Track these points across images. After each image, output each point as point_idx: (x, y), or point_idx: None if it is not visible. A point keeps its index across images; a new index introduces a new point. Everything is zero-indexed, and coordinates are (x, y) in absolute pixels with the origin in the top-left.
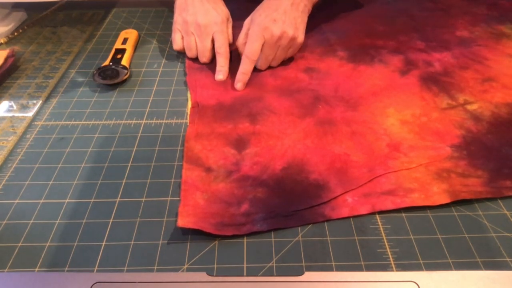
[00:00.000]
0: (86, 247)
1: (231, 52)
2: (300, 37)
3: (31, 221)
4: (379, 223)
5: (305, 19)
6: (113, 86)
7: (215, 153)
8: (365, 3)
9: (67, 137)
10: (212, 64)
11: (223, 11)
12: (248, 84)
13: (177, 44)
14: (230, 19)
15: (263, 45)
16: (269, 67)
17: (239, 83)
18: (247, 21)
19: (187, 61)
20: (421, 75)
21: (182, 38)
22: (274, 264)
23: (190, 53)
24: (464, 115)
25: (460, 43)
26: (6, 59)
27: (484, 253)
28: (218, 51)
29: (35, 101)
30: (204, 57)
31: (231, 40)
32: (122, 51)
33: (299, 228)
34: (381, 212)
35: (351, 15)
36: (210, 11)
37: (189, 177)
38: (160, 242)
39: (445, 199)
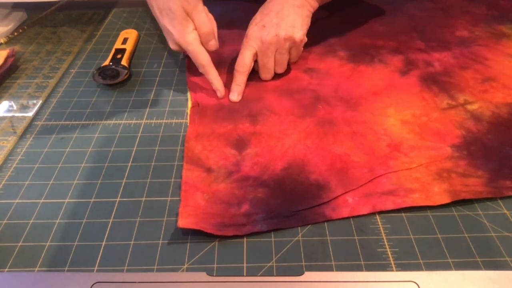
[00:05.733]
0: (86, 247)
1: None
2: (298, 34)
3: (31, 221)
4: (379, 223)
5: (305, 14)
6: (113, 86)
7: (215, 153)
8: (365, 3)
9: (67, 137)
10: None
11: None
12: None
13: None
14: None
15: (257, 54)
16: (276, 75)
17: (234, 93)
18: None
19: (187, 61)
20: (421, 75)
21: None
22: (274, 264)
23: (267, 75)
24: (464, 115)
25: (460, 43)
26: (6, 59)
27: (484, 253)
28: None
29: (35, 101)
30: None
31: None
32: (122, 51)
33: (299, 228)
34: (381, 212)
35: (351, 15)
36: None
37: (190, 178)
38: (160, 242)
39: (446, 199)
